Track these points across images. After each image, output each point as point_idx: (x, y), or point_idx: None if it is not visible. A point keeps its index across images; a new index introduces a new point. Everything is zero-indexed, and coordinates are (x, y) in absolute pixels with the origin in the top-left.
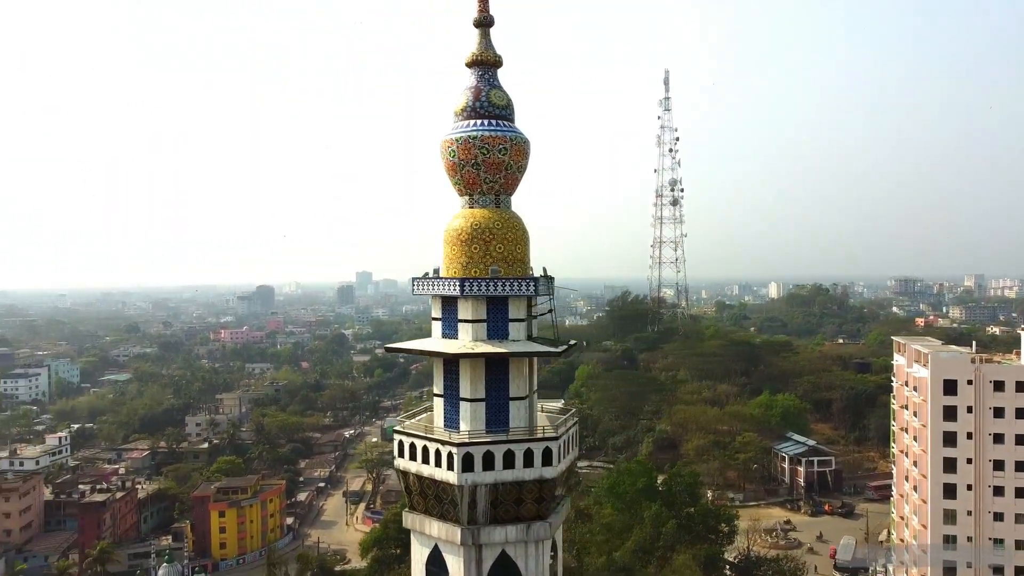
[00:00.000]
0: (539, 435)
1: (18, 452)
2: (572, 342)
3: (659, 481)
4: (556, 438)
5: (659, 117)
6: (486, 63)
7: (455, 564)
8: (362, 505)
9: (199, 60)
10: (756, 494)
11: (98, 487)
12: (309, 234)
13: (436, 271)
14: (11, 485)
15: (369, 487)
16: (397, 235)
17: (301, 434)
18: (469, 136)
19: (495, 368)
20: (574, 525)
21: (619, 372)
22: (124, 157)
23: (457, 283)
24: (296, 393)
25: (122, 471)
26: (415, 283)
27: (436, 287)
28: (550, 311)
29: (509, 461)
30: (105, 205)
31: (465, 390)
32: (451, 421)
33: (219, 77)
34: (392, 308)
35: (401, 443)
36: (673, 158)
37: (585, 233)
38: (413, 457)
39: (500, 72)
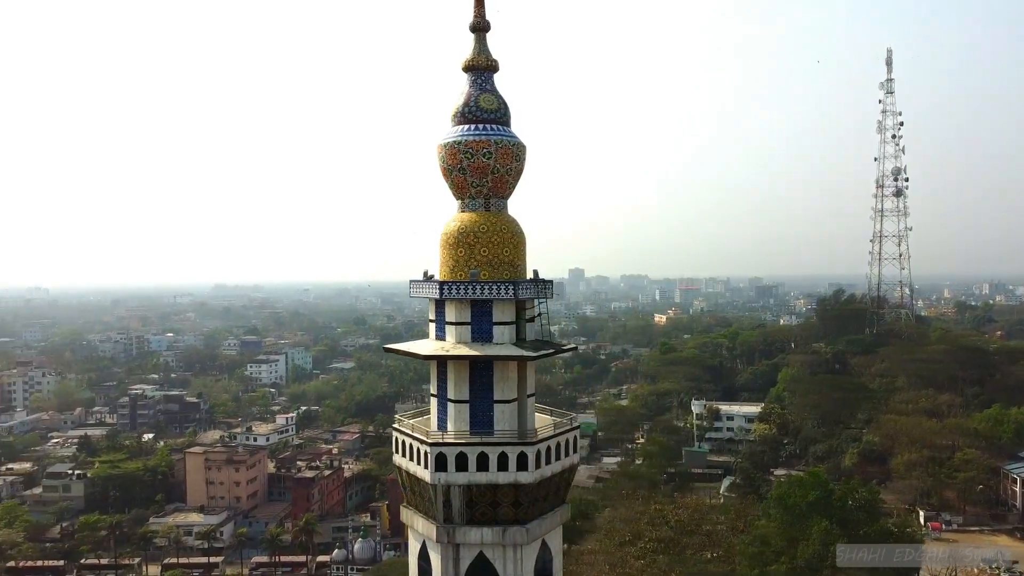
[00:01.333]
0: (513, 439)
1: (252, 429)
2: (569, 346)
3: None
4: (531, 443)
5: (880, 101)
6: (477, 67)
7: (436, 561)
8: None
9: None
10: (979, 519)
11: (311, 464)
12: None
13: (426, 273)
14: (241, 457)
15: None
16: (609, 231)
17: None
18: (455, 141)
19: (480, 371)
20: (730, 535)
21: (824, 376)
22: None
23: (437, 286)
24: None
25: (335, 451)
26: (412, 285)
27: (423, 290)
28: (539, 315)
29: (483, 463)
30: (341, 204)
31: (451, 391)
32: (441, 422)
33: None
34: (601, 305)
35: (395, 439)
36: (896, 145)
37: (805, 228)
38: (404, 454)
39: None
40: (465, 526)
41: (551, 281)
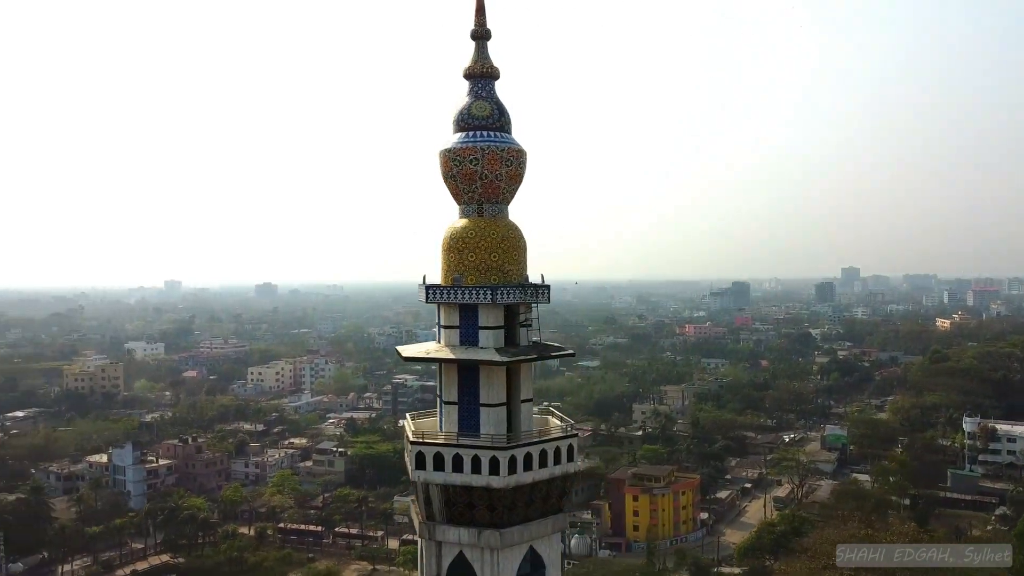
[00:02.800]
0: (487, 443)
1: None
2: (566, 351)
3: None
4: (503, 448)
5: None
6: (474, 75)
7: (422, 555)
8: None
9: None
10: None
11: None
12: (789, 229)
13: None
14: None
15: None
16: (887, 226)
17: (736, 432)
18: (447, 149)
19: (468, 374)
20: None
21: None
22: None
23: (425, 291)
24: (739, 390)
25: None
26: (419, 289)
27: (420, 294)
28: (526, 322)
29: (458, 465)
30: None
31: (443, 393)
32: (440, 422)
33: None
34: (875, 308)
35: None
36: None
37: None
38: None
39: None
40: (444, 524)
41: (544, 286)
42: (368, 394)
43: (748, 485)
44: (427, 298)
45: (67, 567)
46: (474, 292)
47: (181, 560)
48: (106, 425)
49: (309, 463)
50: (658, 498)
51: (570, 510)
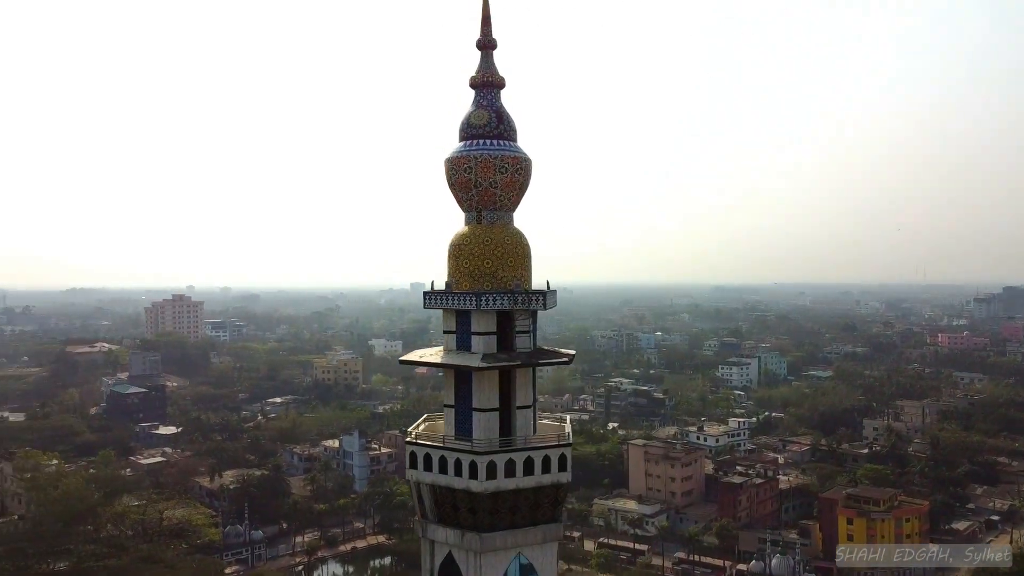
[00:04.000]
0: (468, 447)
1: (704, 429)
2: (560, 359)
3: None
4: (480, 453)
5: None
6: (477, 84)
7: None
8: None
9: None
10: None
11: (741, 471)
12: None
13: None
14: (677, 455)
15: None
16: None
17: (985, 457)
18: (446, 159)
19: (463, 379)
20: None
21: None
22: None
23: (424, 297)
24: (995, 410)
25: (781, 461)
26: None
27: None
28: (524, 329)
29: (443, 466)
30: None
31: (445, 396)
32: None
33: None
34: None
35: None
36: None
37: None
38: None
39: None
40: (435, 524)
41: (540, 292)
42: (583, 396)
43: (995, 517)
44: (425, 304)
45: (299, 538)
46: (460, 298)
47: (394, 542)
48: (343, 414)
49: None
50: (877, 523)
51: (565, 521)
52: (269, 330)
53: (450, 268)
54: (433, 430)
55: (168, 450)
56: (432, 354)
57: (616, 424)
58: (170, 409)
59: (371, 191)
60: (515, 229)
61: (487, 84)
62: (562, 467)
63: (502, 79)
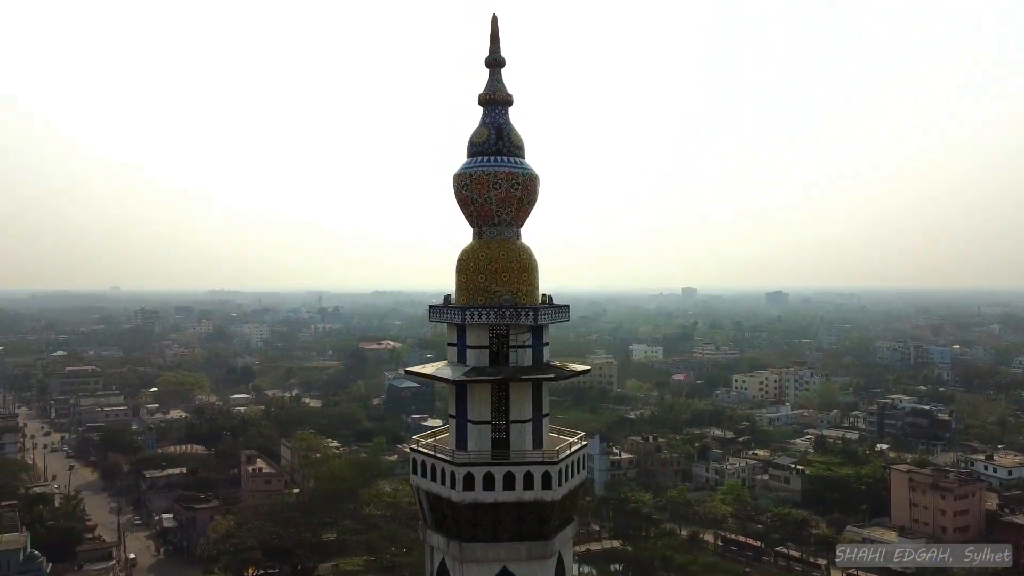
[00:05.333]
0: (448, 458)
1: (994, 458)
2: (548, 375)
3: None
4: (458, 464)
5: None
6: (483, 102)
7: None
8: None
9: None
10: None
11: None
12: None
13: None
14: (948, 484)
15: None
16: None
17: None
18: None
19: (461, 392)
20: None
21: None
22: None
23: (429, 310)
24: None
25: None
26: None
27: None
28: (520, 343)
29: (433, 474)
30: None
31: (448, 407)
32: None
33: None
34: None
35: None
36: None
37: None
38: None
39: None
40: (430, 529)
41: (530, 308)
42: (855, 413)
43: None
44: (428, 317)
45: None
46: (452, 313)
47: (628, 548)
48: (593, 417)
49: (766, 476)
50: None
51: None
52: None
53: (455, 283)
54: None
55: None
56: (435, 369)
57: (887, 446)
58: (438, 403)
59: (648, 195)
60: (516, 244)
61: (491, 101)
62: (546, 485)
63: (507, 96)
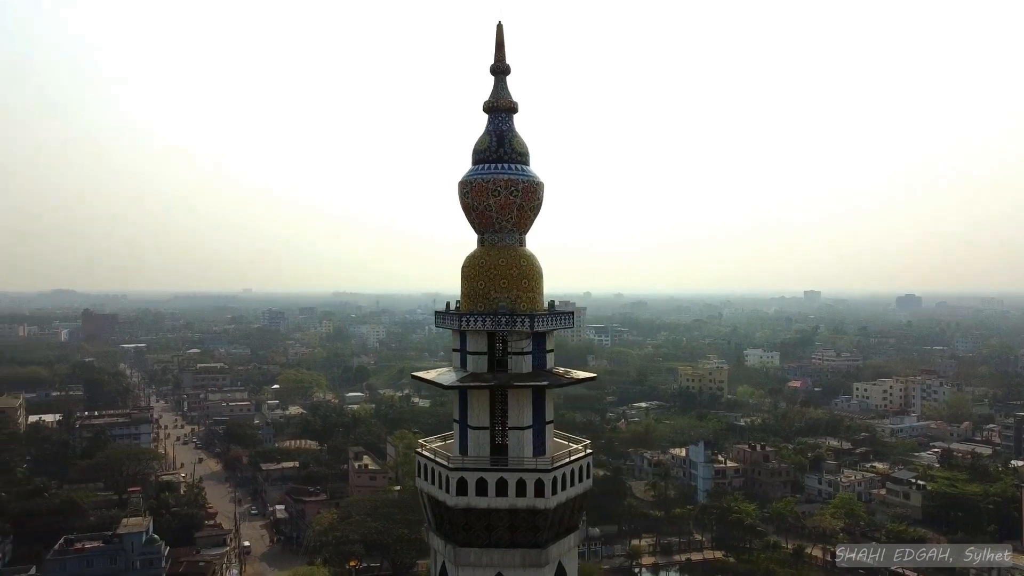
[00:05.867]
0: (444, 462)
1: None
2: (541, 382)
3: None
4: (452, 468)
5: None
6: (486, 109)
7: None
8: None
9: None
10: None
11: None
12: None
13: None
14: None
15: None
16: None
17: None
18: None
19: (462, 397)
20: None
21: None
22: None
23: (435, 316)
24: None
25: None
26: None
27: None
28: (519, 350)
29: (432, 477)
30: None
31: (454, 412)
32: None
33: None
34: None
35: None
36: None
37: None
38: None
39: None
40: (432, 531)
41: (525, 315)
42: (989, 426)
43: None
44: (436, 323)
45: (636, 541)
46: (452, 319)
47: (730, 560)
48: (699, 423)
49: (884, 491)
50: None
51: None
52: (650, 336)
53: (460, 288)
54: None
55: None
56: (437, 375)
57: (1023, 463)
58: None
59: (769, 196)
60: (516, 251)
61: (494, 109)
62: (539, 493)
63: (510, 103)
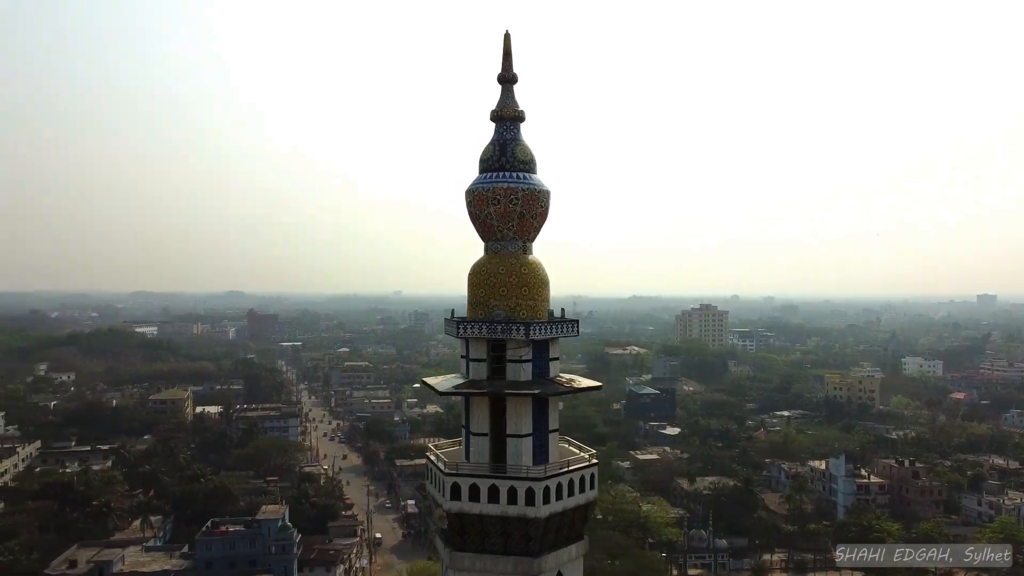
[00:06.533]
0: (441, 467)
1: None
2: (531, 390)
3: None
4: (448, 473)
5: None
6: (493, 118)
7: None
8: None
9: None
10: None
11: None
12: None
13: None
14: None
15: None
16: None
17: None
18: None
19: (467, 404)
20: None
21: None
22: None
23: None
24: None
25: None
26: None
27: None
28: (518, 358)
29: (434, 481)
30: None
31: (463, 418)
32: None
33: None
34: None
35: None
36: None
37: None
38: None
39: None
40: (436, 535)
41: (519, 323)
42: None
43: None
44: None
45: (766, 556)
46: (454, 326)
47: None
48: (845, 435)
49: None
50: None
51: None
52: (799, 341)
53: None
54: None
55: (667, 449)
56: (448, 378)
57: None
58: (679, 411)
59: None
60: (518, 258)
61: (499, 118)
62: (530, 501)
63: (515, 112)
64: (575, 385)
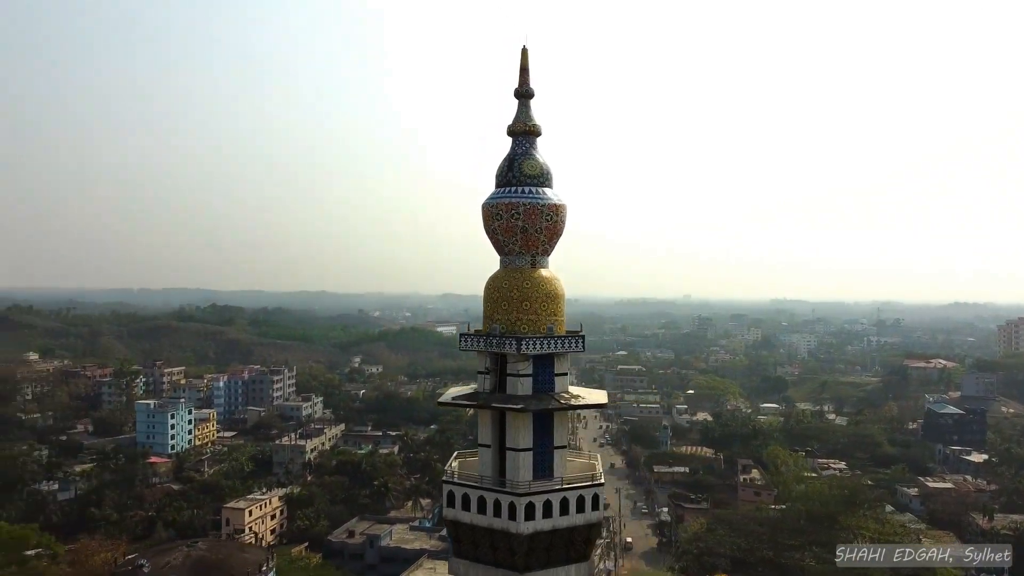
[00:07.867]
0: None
1: None
2: (517, 405)
3: None
4: (446, 482)
5: None
6: (509, 133)
7: None
8: None
9: None
10: None
11: None
12: None
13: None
14: None
15: None
16: None
17: None
18: None
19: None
20: None
21: None
22: None
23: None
24: None
25: None
26: None
27: None
28: (518, 372)
29: (441, 488)
30: None
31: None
32: None
33: None
34: None
35: None
36: None
37: None
38: None
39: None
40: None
41: (514, 337)
42: None
43: None
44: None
45: None
46: (463, 340)
47: None
48: None
49: None
50: None
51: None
52: None
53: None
54: None
55: (967, 478)
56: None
57: None
58: (991, 435)
59: None
60: (523, 273)
61: (513, 133)
62: (511, 516)
63: (529, 127)
64: (575, 402)
